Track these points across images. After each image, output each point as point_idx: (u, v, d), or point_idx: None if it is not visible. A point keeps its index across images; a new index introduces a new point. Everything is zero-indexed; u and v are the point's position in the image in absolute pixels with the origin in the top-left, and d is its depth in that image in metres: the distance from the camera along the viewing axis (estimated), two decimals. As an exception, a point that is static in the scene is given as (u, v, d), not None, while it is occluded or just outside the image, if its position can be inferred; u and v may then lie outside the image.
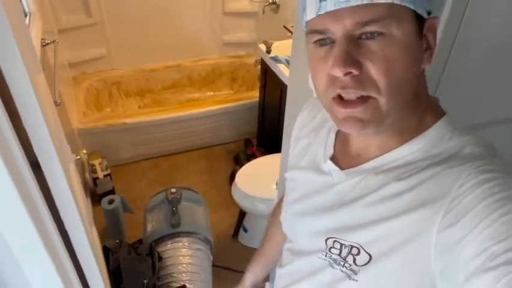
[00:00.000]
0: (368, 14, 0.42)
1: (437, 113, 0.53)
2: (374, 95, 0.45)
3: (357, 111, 0.46)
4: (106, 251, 1.51)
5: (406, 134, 0.51)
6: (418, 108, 0.51)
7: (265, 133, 2.53)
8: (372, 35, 0.43)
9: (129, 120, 2.45)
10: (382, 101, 0.45)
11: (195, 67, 3.06)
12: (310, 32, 0.47)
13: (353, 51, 0.43)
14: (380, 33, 0.43)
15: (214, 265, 1.81)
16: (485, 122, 0.80)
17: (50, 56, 1.84)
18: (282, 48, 2.08)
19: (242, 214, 2.06)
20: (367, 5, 0.42)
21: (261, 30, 2.95)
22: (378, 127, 0.48)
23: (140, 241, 1.69)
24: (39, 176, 0.79)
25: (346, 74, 0.44)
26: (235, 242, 2.10)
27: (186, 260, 1.59)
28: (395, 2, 0.42)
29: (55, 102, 1.31)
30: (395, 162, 0.52)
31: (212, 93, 3.15)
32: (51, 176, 0.81)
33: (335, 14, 0.43)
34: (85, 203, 1.41)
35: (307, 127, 0.70)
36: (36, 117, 0.70)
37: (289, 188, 0.70)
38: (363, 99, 0.46)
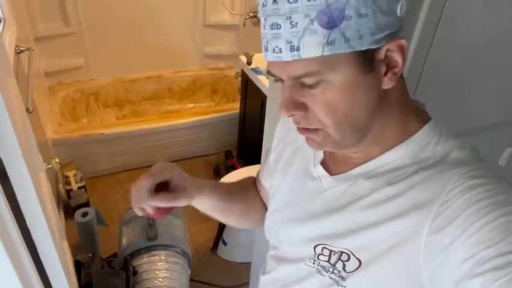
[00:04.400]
0: (300, 69, 0.44)
1: (423, 117, 0.53)
2: (321, 127, 0.48)
3: (313, 135, 0.50)
4: (78, 265, 1.45)
5: (389, 140, 0.52)
6: (395, 117, 0.51)
7: (246, 145, 2.52)
8: (310, 85, 0.45)
9: (106, 131, 2.39)
10: (331, 131, 0.48)
11: (175, 78, 3.05)
12: (267, 70, 0.51)
13: (296, 95, 0.47)
14: (317, 82, 0.45)
15: (192, 279, 1.76)
16: (462, 130, 0.81)
17: (25, 64, 1.79)
18: (262, 60, 2.08)
19: (222, 227, 2.03)
20: (297, 60, 0.43)
21: (242, 43, 2.97)
22: (338, 148, 0.51)
23: (115, 255, 1.63)
24: (6, 185, 0.75)
25: (290, 116, 0.49)
26: (214, 256, 2.06)
27: (163, 274, 1.54)
28: (325, 53, 0.42)
29: (27, 109, 1.27)
30: (384, 167, 0.52)
31: (192, 104, 3.13)
32: (18, 185, 0.77)
33: (276, 64, 0.46)
34: (56, 215, 1.35)
35: (294, 132, 0.68)
36: (4, 120, 0.67)
37: (274, 194, 0.69)
38: (315, 129, 0.49)
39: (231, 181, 0.82)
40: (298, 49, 0.43)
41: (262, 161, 1.29)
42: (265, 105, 1.95)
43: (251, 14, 2.61)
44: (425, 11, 0.64)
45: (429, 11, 0.65)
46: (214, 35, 3.00)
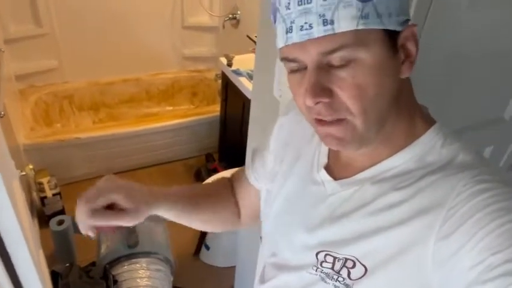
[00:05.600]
0: (332, 43, 0.42)
1: (427, 121, 0.52)
2: (348, 117, 0.46)
3: (333, 130, 0.47)
4: (55, 276, 1.39)
5: (396, 143, 0.51)
6: (405, 115, 0.50)
7: (227, 147, 2.50)
8: (339, 63, 0.43)
9: (82, 135, 2.31)
10: (357, 121, 0.46)
11: (154, 81, 2.99)
12: (283, 59, 0.48)
13: (322, 80, 0.44)
14: (348, 61, 0.43)
15: (174, 286, 1.72)
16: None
17: (-6, 66, 1.71)
18: (243, 61, 2.08)
19: (204, 231, 1.99)
20: (330, 35, 0.41)
21: (221, 45, 2.95)
22: (359, 144, 0.48)
23: (93, 264, 1.57)
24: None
25: (317, 103, 0.45)
26: (197, 261, 2.02)
27: (144, 283, 1.49)
28: (359, 27, 0.41)
29: (-2, 113, 1.20)
30: (390, 172, 0.51)
31: (171, 108, 3.07)
32: (-9, 192, 0.72)
33: (301, 45, 0.44)
34: (31, 224, 1.28)
35: (295, 133, 0.66)
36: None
37: (274, 199, 0.66)
38: (339, 121, 0.46)
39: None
40: (332, 23, 0.41)
41: (247, 161, 1.27)
42: (246, 107, 1.94)
43: (230, 16, 2.60)
44: (411, 12, 0.65)
45: (415, 12, 0.65)
46: (193, 37, 2.97)
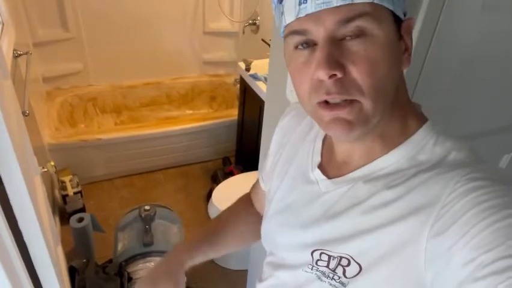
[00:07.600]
0: (349, 12, 0.42)
1: (420, 118, 0.52)
2: (358, 98, 0.45)
3: (343, 112, 0.45)
4: (73, 271, 1.43)
5: (390, 140, 0.51)
6: (399, 112, 0.50)
7: (244, 151, 2.51)
8: (354, 35, 0.43)
9: (104, 136, 2.38)
10: (366, 103, 0.45)
11: (174, 85, 3.05)
12: (290, 33, 0.46)
13: (335, 54, 0.43)
14: (362, 32, 0.43)
15: (187, 286, 1.74)
16: (460, 135, 0.81)
17: (23, 68, 1.79)
18: (261, 66, 2.10)
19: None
20: (347, 4, 0.42)
21: (241, 50, 2.98)
22: (365, 129, 0.47)
23: (110, 261, 1.61)
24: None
25: (331, 77, 0.43)
26: (211, 262, 2.03)
27: (158, 281, 1.52)
28: (375, 1, 0.42)
29: (23, 112, 1.26)
30: (383, 170, 0.51)
31: (191, 111, 3.12)
32: (11, 186, 0.76)
33: (315, 16, 0.43)
34: (51, 219, 1.33)
35: (292, 134, 0.67)
36: (-3, 121, 0.66)
37: (271, 198, 0.67)
38: (348, 102, 0.45)
39: (221, 212, 0.85)
40: None
41: (260, 166, 1.28)
42: (262, 111, 1.95)
43: (250, 22, 2.62)
44: (422, 14, 0.64)
45: (427, 15, 0.65)
46: (214, 42, 3.01)
